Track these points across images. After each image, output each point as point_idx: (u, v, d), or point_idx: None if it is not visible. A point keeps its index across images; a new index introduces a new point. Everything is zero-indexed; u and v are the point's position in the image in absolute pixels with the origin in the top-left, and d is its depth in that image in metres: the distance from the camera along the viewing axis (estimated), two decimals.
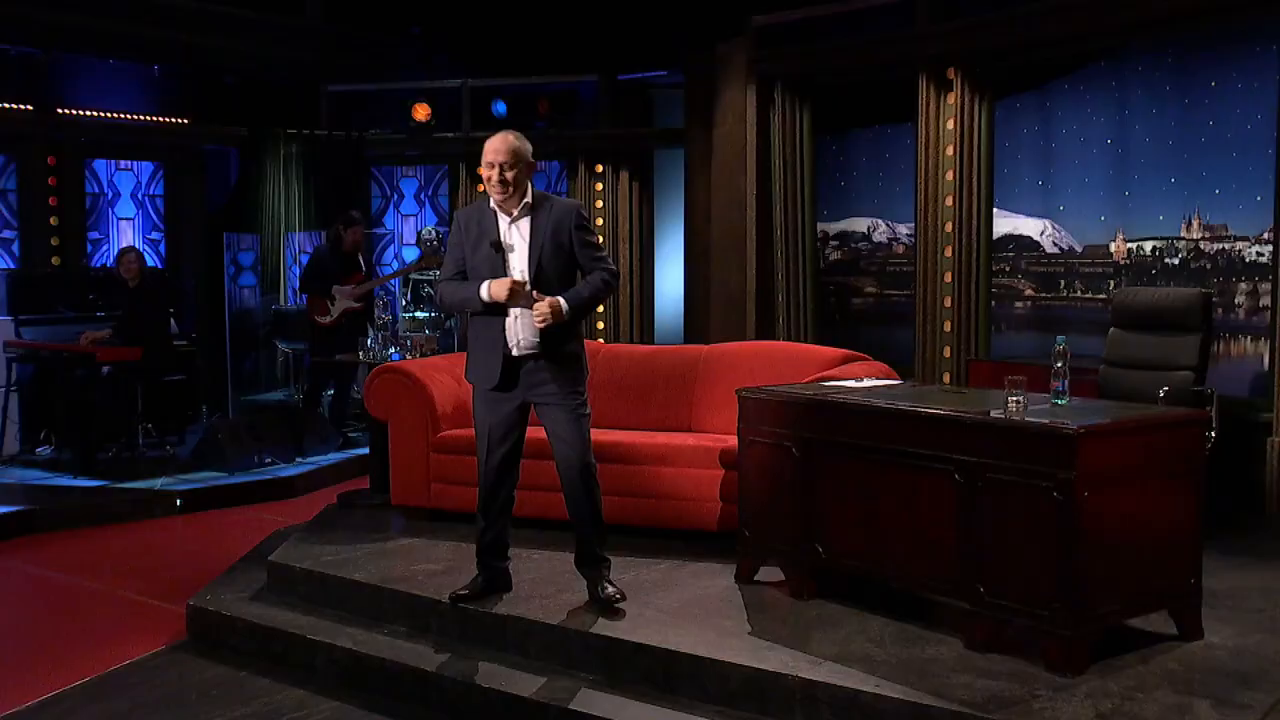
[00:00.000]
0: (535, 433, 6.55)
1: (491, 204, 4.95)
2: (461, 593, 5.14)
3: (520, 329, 4.93)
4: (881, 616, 4.78)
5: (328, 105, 12.39)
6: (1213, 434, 5.70)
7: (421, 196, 12.77)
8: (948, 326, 8.63)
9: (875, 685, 4.09)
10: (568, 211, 4.94)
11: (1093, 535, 4.13)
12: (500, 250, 4.88)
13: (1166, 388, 5.87)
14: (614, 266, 5.05)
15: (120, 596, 6.42)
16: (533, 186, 4.94)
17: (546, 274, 4.89)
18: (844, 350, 6.53)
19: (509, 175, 4.82)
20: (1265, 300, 6.99)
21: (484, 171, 4.88)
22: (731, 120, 10.23)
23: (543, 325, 4.85)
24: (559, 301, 4.84)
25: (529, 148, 4.91)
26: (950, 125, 8.55)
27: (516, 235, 4.92)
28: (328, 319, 9.79)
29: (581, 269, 4.99)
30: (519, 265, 4.90)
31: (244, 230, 11.77)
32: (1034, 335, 8.53)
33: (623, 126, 12.10)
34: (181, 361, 9.95)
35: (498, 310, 4.91)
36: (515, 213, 4.91)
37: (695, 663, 4.43)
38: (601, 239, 12.04)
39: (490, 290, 4.86)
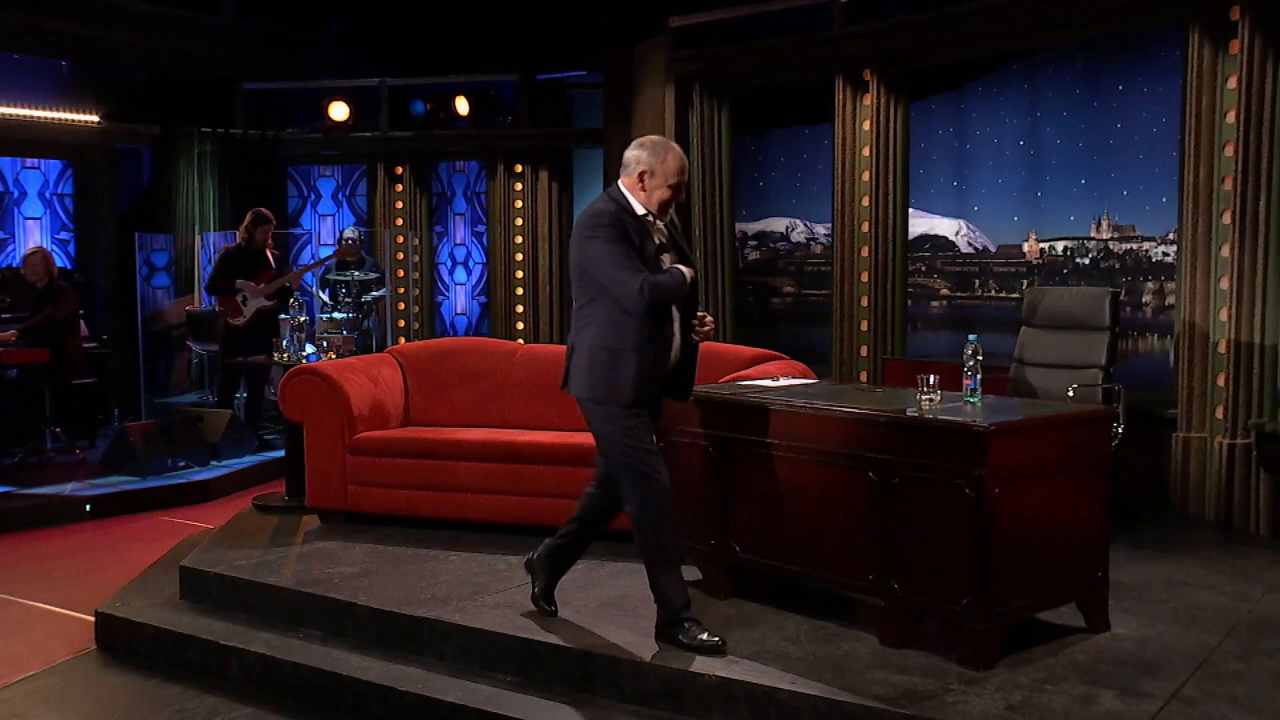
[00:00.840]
0: (456, 434, 6.53)
1: (641, 211, 4.54)
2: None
3: (678, 334, 4.62)
4: (798, 614, 4.82)
5: (243, 104, 12.23)
6: (1120, 430, 5.82)
7: (339, 196, 12.64)
8: (864, 326, 8.72)
9: (791, 682, 4.12)
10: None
11: (1003, 531, 4.19)
12: (660, 253, 4.56)
13: (1076, 385, 5.98)
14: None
15: (26, 606, 6.26)
16: None
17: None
18: (760, 350, 6.58)
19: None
20: (1171, 299, 7.14)
21: (671, 189, 4.52)
22: (650, 120, 10.25)
23: (707, 332, 4.64)
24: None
25: None
26: (866, 126, 8.64)
27: (656, 237, 4.59)
28: (241, 320, 9.64)
29: None
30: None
31: (158, 230, 11.57)
32: (950, 334, 8.64)
33: (542, 126, 12.07)
34: (92, 364, 9.75)
35: (666, 315, 4.52)
36: (663, 221, 4.62)
37: (612, 663, 4.43)
38: (520, 239, 12.04)
39: (688, 275, 4.52)
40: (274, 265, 9.87)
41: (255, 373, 9.70)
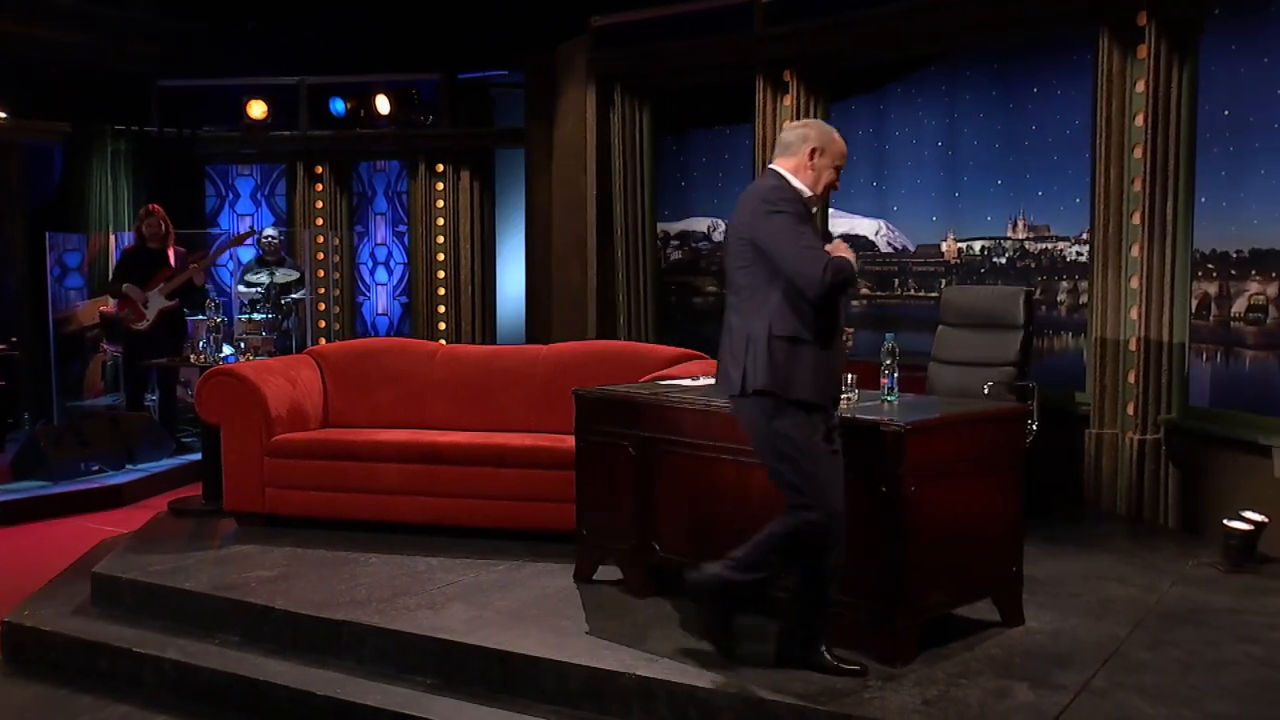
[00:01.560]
0: (375, 435, 6.48)
1: (807, 194, 4.21)
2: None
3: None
4: None
5: (159, 101, 12.00)
6: (1034, 427, 5.92)
7: (258, 196, 12.48)
8: None
9: (711, 681, 4.14)
10: None
11: (920, 528, 4.25)
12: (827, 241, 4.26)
13: (991, 383, 6.07)
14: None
15: None
16: None
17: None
18: (681, 349, 6.61)
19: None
20: (1084, 298, 7.28)
21: (837, 170, 4.27)
22: (572, 120, 10.25)
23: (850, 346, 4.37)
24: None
25: None
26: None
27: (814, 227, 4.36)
28: (144, 324, 9.38)
29: None
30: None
31: (70, 230, 11.32)
32: (871, 333, 8.72)
33: (464, 126, 12.02)
34: (1, 366, 9.52)
35: (837, 306, 4.17)
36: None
37: (532, 663, 4.42)
38: (442, 239, 11.97)
39: (854, 261, 4.17)
40: (173, 263, 9.58)
41: (165, 375, 9.52)
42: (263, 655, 4.93)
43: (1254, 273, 6.19)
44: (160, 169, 11.69)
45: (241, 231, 11.04)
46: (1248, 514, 5.68)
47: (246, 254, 11.65)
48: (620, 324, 9.83)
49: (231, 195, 12.44)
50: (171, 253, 9.58)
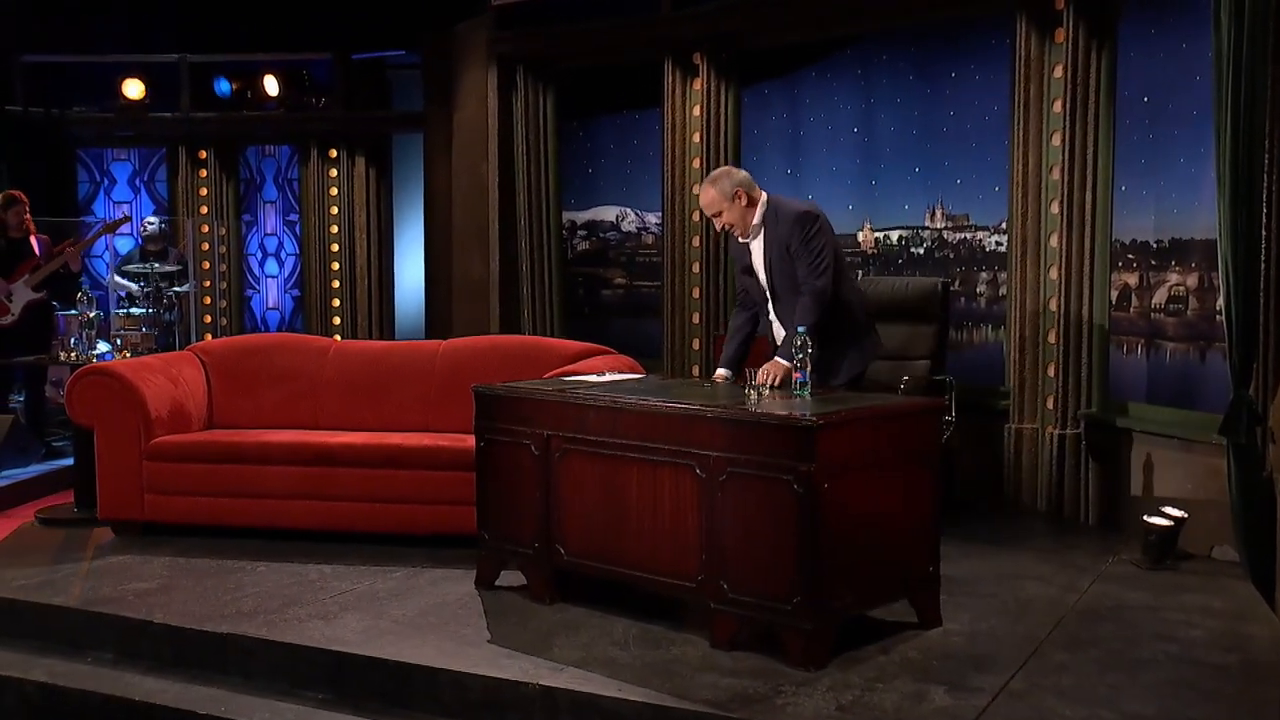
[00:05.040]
0: (263, 436, 6.41)
1: None
2: None
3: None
4: (626, 618, 4.87)
5: (22, 77, 11.66)
6: (950, 421, 6.02)
7: (137, 182, 12.24)
8: (696, 318, 8.83)
9: (618, 689, 4.16)
10: (790, 226, 5.31)
11: (833, 527, 4.30)
12: (751, 274, 5.48)
13: (907, 377, 6.16)
14: (820, 283, 5.24)
15: None
16: (764, 204, 5.39)
17: (782, 285, 5.35)
18: (586, 344, 6.63)
19: (724, 219, 5.41)
20: (1004, 289, 7.41)
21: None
22: (472, 104, 10.20)
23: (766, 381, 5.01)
24: (775, 364, 5.11)
25: (733, 180, 5.39)
26: (697, 112, 8.74)
27: (756, 255, 5.45)
28: (9, 319, 9.14)
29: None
30: (763, 282, 5.45)
31: None
32: None
33: (358, 109, 11.88)
34: None
35: None
36: (750, 236, 5.43)
37: (430, 674, 4.41)
38: (336, 228, 11.81)
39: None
40: (38, 252, 9.32)
41: (32, 374, 9.30)
42: (140, 673, 4.85)
43: (1174, 263, 6.35)
44: (25, 152, 11.34)
45: (117, 218, 10.80)
46: (1168, 510, 5.83)
47: (125, 244, 11.42)
48: (524, 317, 9.81)
49: (107, 181, 12.17)
50: (35, 240, 9.32)
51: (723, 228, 5.49)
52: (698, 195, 8.66)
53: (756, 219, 5.39)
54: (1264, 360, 5.09)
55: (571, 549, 5.01)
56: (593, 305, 9.97)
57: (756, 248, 5.44)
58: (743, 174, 5.50)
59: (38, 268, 9.13)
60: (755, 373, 5.00)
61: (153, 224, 10.56)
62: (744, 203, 5.36)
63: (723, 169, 5.61)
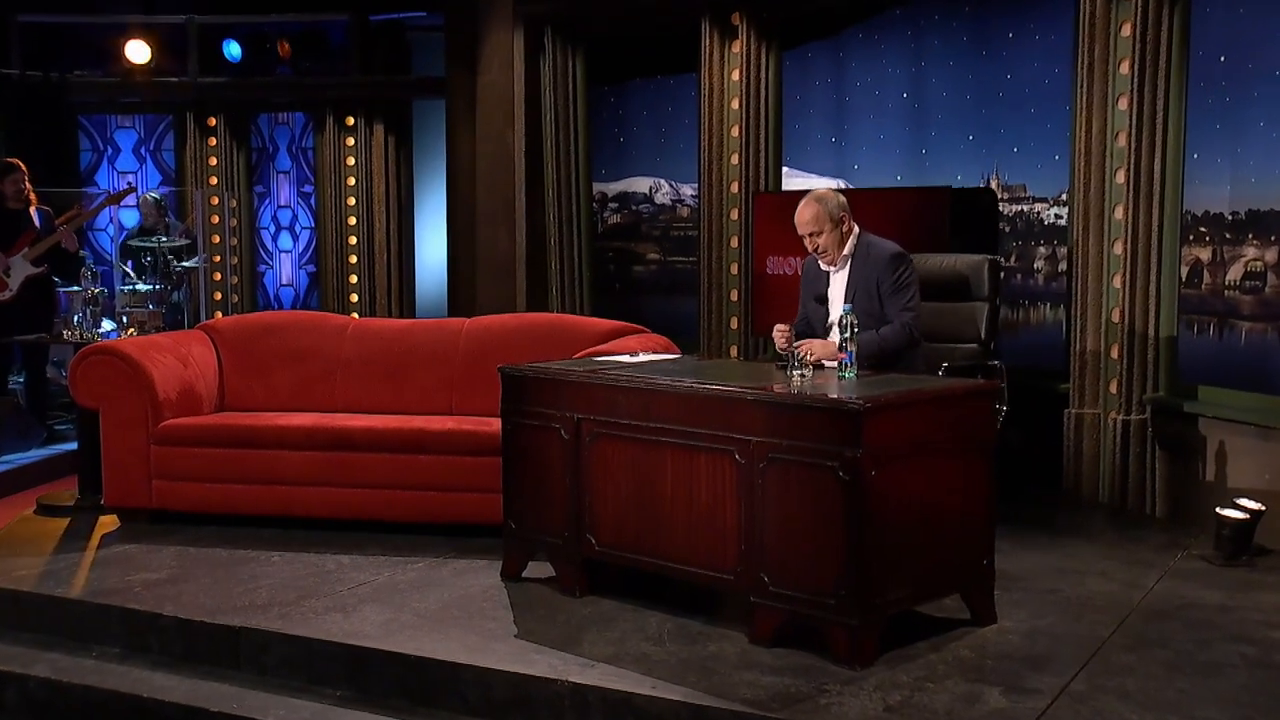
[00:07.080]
0: (278, 419, 6.45)
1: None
2: None
3: None
4: (660, 612, 4.88)
5: (20, 39, 11.71)
6: (1003, 408, 5.96)
7: (142, 151, 12.30)
8: (734, 296, 8.82)
9: (652, 687, 4.17)
10: (881, 263, 5.55)
11: (880, 517, 4.29)
12: (824, 303, 5.70)
13: (946, 363, 6.09)
14: (910, 317, 5.55)
15: None
16: (857, 235, 5.62)
17: (860, 322, 5.23)
18: (619, 322, 6.64)
19: (820, 241, 5.57)
20: (1064, 265, 7.36)
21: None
22: (497, 68, 10.19)
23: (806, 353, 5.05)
24: (819, 341, 5.43)
25: (834, 203, 5.56)
26: (735, 76, 8.71)
27: (836, 286, 5.65)
28: (7, 294, 9.19)
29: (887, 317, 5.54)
30: (834, 315, 5.56)
31: None
32: None
33: (377, 73, 11.90)
34: None
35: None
36: (837, 265, 5.64)
37: (453, 670, 4.43)
38: (353, 200, 11.84)
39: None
40: (38, 224, 9.37)
41: (33, 354, 9.36)
42: (148, 668, 4.89)
43: (1251, 236, 6.28)
44: (24, 119, 11.41)
45: (121, 189, 10.86)
46: (1243, 501, 5.78)
47: (131, 217, 11.49)
48: (552, 295, 9.83)
49: (110, 150, 12.24)
50: (35, 213, 9.37)
51: (815, 249, 5.62)
52: (734, 164, 8.71)
53: (848, 249, 5.61)
54: None
55: (603, 539, 5.02)
56: (624, 282, 9.97)
57: (839, 279, 5.65)
58: (843, 198, 5.65)
59: (37, 240, 9.16)
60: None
61: (154, 197, 10.60)
62: (845, 228, 5.58)
63: (823, 189, 5.76)
